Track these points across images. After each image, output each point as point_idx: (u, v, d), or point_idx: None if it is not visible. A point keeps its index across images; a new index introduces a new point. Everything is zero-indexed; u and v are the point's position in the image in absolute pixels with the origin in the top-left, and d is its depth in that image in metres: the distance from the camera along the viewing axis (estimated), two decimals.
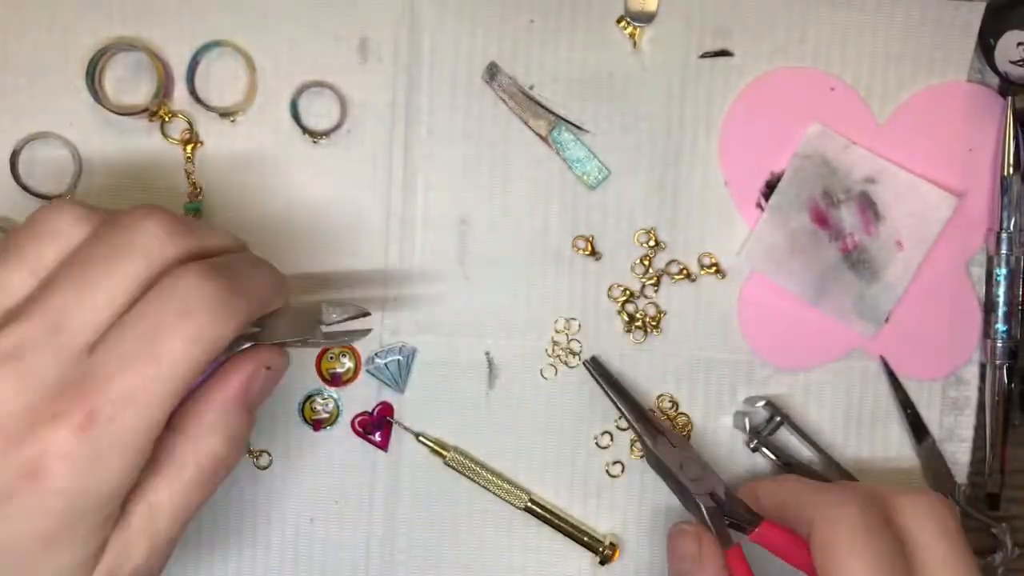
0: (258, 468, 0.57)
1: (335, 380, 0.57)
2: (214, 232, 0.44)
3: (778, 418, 0.57)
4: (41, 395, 0.36)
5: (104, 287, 0.38)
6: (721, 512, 0.51)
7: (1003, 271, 0.57)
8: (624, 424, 0.57)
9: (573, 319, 0.58)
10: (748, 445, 0.58)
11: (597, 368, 0.57)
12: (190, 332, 0.38)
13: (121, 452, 0.37)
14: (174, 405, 0.39)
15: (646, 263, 0.58)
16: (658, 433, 0.55)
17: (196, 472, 0.42)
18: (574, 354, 0.58)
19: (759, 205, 0.58)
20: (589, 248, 0.57)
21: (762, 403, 0.58)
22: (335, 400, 0.57)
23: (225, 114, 0.56)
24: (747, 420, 0.58)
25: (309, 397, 0.57)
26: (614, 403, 0.56)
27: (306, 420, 0.57)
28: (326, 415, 0.57)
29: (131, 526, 0.41)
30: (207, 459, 0.42)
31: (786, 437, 0.58)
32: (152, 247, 0.39)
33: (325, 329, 0.48)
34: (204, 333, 0.38)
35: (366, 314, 0.48)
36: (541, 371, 0.58)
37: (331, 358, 0.57)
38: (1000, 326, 0.58)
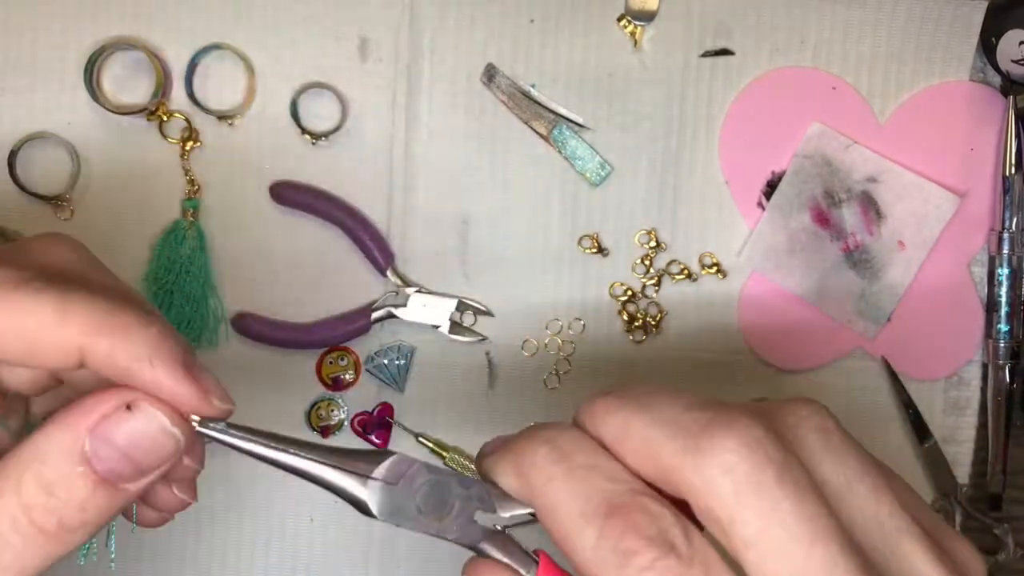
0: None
1: (337, 385, 0.57)
2: None
3: None
4: None
5: None
6: (498, 532, 0.33)
7: (1005, 271, 0.57)
8: None
9: (577, 320, 0.58)
10: None
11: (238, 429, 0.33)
12: None
13: None
14: None
15: (647, 263, 0.57)
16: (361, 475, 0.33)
17: None
18: (566, 359, 0.58)
19: (760, 204, 0.58)
20: (596, 246, 0.57)
21: None
22: (341, 407, 0.57)
23: (223, 117, 0.56)
24: None
25: (315, 404, 0.57)
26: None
27: (313, 427, 0.57)
28: (334, 423, 0.57)
29: None
30: None
31: None
32: None
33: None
34: None
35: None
36: (541, 371, 0.58)
37: (330, 363, 0.57)
38: (1002, 326, 0.57)
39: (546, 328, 0.58)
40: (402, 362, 0.57)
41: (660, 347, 0.58)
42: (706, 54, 0.57)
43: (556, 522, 0.29)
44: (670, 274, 0.58)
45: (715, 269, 0.58)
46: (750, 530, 0.27)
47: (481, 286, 0.57)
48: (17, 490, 0.28)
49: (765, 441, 0.28)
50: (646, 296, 0.58)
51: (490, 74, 0.56)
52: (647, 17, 0.56)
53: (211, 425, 0.31)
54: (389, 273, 0.56)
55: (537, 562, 0.31)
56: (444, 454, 0.57)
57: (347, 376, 0.57)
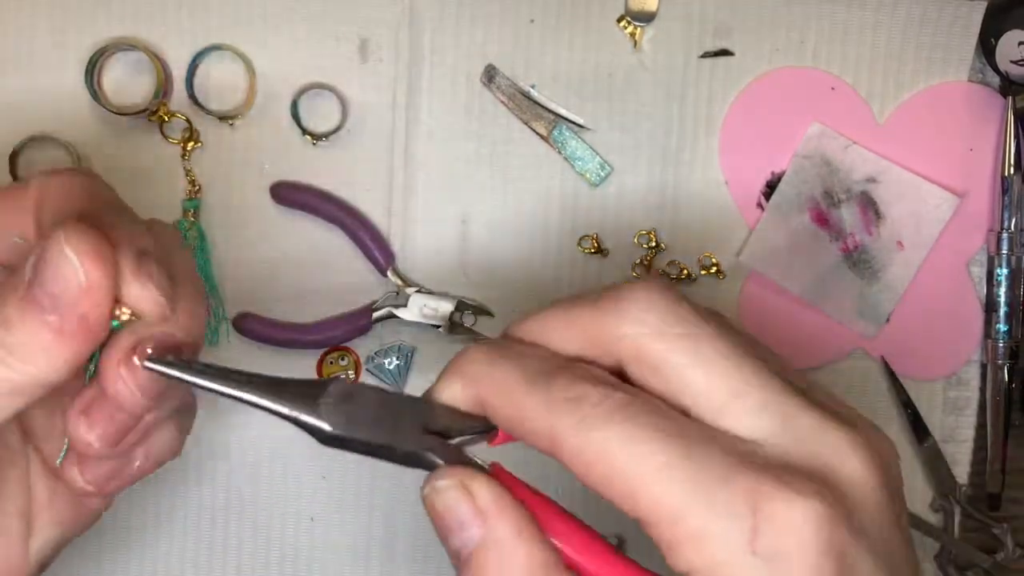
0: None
1: None
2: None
3: None
4: None
5: None
6: (451, 446, 0.34)
7: (1004, 271, 0.57)
8: None
9: None
10: None
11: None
12: None
13: None
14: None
15: (647, 263, 0.57)
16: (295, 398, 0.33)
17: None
18: None
19: (759, 205, 0.58)
20: (596, 246, 0.57)
21: None
22: None
23: (224, 118, 0.56)
24: None
25: None
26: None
27: None
28: None
29: None
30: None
31: None
32: None
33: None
34: None
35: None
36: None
37: (330, 363, 0.57)
38: (1001, 326, 0.58)
39: None
40: (402, 362, 0.57)
41: None
42: (706, 54, 0.57)
43: (504, 396, 0.31)
44: (670, 275, 0.58)
45: (715, 269, 0.58)
46: (683, 358, 0.30)
47: (481, 286, 0.57)
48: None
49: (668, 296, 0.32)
50: None
51: (490, 74, 0.56)
52: (647, 17, 0.56)
53: (160, 360, 0.32)
54: (389, 273, 0.56)
55: (490, 472, 0.33)
56: None
57: (347, 376, 0.57)
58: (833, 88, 0.57)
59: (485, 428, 0.34)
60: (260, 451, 0.57)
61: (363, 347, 0.57)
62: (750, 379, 0.30)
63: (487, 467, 0.34)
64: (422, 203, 0.57)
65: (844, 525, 0.28)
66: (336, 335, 0.56)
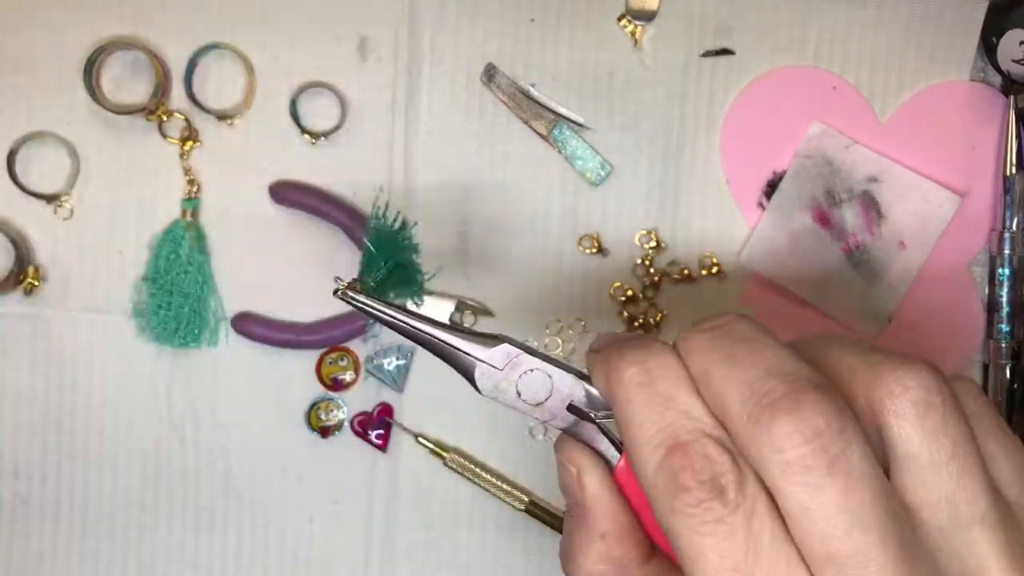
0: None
1: (336, 385, 0.57)
2: None
3: None
4: None
5: None
6: (597, 425, 0.34)
7: (1006, 271, 0.57)
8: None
9: (577, 320, 0.58)
10: None
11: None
12: None
13: None
14: None
15: (647, 263, 0.57)
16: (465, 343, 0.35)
17: None
18: (566, 359, 0.58)
19: (760, 204, 0.58)
20: (596, 246, 0.57)
21: None
22: (341, 408, 0.57)
23: (223, 117, 0.56)
24: None
25: (315, 405, 0.57)
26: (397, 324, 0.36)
27: (312, 428, 0.57)
28: (334, 423, 0.57)
29: None
30: None
31: None
32: None
33: None
34: None
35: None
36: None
37: (330, 363, 0.57)
38: (1003, 326, 0.57)
39: (546, 328, 0.58)
40: (402, 362, 0.57)
41: None
42: (707, 54, 0.57)
43: (628, 439, 0.30)
44: (670, 275, 0.58)
45: (715, 269, 0.57)
46: (795, 503, 0.27)
47: (481, 286, 0.57)
48: None
49: (824, 431, 0.28)
50: (646, 297, 0.58)
51: (490, 74, 0.56)
52: (647, 16, 0.56)
53: (352, 292, 0.35)
54: None
55: (622, 453, 0.33)
56: (444, 454, 0.57)
57: (347, 376, 0.57)
58: (834, 87, 0.57)
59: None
60: (260, 451, 0.57)
61: (362, 347, 0.57)
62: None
63: (621, 448, 0.33)
64: (422, 203, 0.57)
65: None
66: (335, 335, 0.56)
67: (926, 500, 0.28)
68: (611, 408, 0.31)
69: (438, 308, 0.56)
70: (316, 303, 0.57)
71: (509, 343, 0.34)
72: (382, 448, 0.57)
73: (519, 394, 0.34)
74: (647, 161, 0.57)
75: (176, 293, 0.56)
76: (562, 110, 0.56)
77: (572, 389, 0.34)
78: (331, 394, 0.57)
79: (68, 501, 0.57)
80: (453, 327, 0.35)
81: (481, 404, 0.57)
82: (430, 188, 0.57)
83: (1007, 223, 0.57)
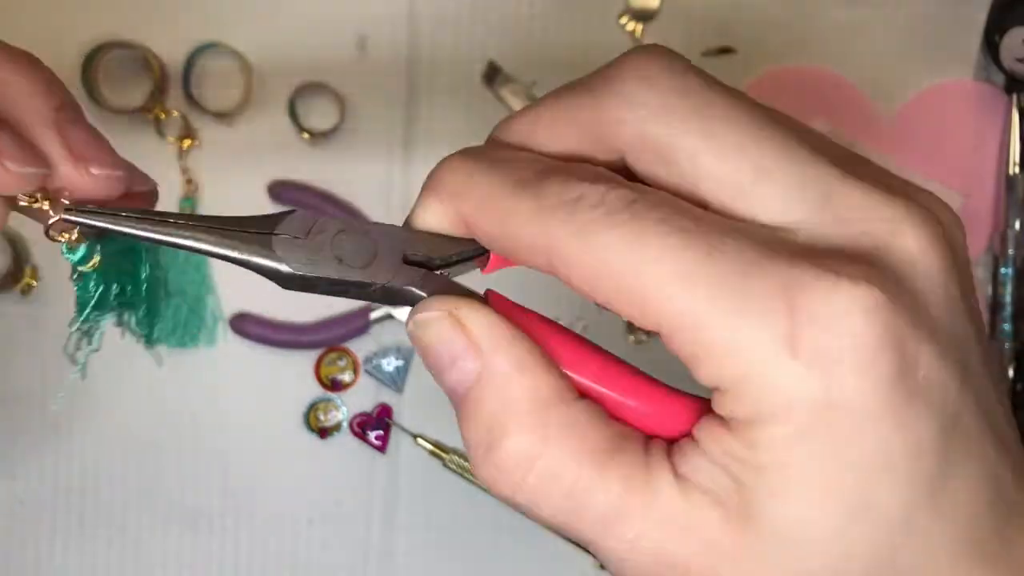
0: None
1: (335, 386, 0.57)
2: None
3: None
4: None
5: None
6: (437, 276, 0.30)
7: (1008, 271, 0.57)
8: None
9: (578, 319, 0.57)
10: None
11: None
12: None
13: None
14: None
15: None
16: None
17: None
18: None
19: None
20: None
21: None
22: (340, 408, 0.57)
23: (221, 116, 0.55)
24: None
25: (313, 405, 0.57)
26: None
27: (311, 428, 0.57)
28: (332, 424, 0.57)
29: None
30: None
31: None
32: None
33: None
34: None
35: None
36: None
37: (329, 363, 0.57)
38: (1006, 326, 0.57)
39: None
40: (401, 363, 0.57)
41: (661, 348, 0.58)
42: (708, 53, 0.57)
43: (490, 209, 0.26)
44: None
45: None
46: (693, 139, 0.25)
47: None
48: None
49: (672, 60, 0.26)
50: None
51: (490, 73, 0.56)
52: (648, 15, 0.56)
53: (78, 208, 0.29)
54: None
55: (485, 300, 0.28)
56: (444, 455, 0.57)
57: (345, 377, 0.57)
58: (836, 86, 0.57)
59: (474, 252, 0.29)
60: (258, 452, 0.57)
61: (361, 348, 0.57)
62: (777, 154, 0.25)
63: (481, 295, 0.29)
64: None
65: (901, 312, 0.23)
66: (333, 335, 0.56)
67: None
68: (456, 227, 0.27)
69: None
70: (315, 303, 0.56)
71: (301, 211, 0.28)
72: (381, 449, 0.57)
73: (340, 259, 0.28)
74: None
75: (175, 293, 0.55)
76: None
77: (398, 240, 0.28)
78: (330, 395, 0.57)
79: (65, 503, 0.57)
80: (225, 219, 0.29)
81: None
82: None
83: (1010, 222, 0.57)
